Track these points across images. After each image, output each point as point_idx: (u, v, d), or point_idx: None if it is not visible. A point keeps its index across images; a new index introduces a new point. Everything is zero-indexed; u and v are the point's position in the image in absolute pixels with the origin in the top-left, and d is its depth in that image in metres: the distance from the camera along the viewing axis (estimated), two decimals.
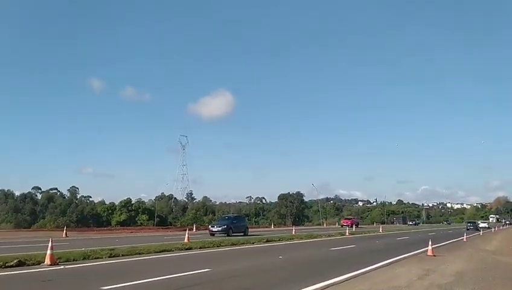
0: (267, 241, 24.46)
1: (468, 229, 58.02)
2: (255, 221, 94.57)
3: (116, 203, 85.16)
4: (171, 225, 64.98)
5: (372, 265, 13.77)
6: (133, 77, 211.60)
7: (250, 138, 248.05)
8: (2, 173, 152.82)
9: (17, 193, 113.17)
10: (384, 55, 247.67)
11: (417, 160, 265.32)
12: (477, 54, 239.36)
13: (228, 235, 31.04)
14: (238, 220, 37.02)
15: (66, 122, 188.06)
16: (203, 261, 14.09)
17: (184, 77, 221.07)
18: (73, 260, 13.43)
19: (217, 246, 20.38)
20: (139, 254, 15.90)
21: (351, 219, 68.62)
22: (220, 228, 32.95)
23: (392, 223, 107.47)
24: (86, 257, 14.04)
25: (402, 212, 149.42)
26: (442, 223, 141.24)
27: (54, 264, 11.89)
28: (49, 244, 12.11)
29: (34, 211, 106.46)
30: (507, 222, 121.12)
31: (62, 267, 11.75)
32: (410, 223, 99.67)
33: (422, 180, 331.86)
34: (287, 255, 16.52)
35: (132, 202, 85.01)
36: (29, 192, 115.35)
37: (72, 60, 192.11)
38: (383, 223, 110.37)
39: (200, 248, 19.30)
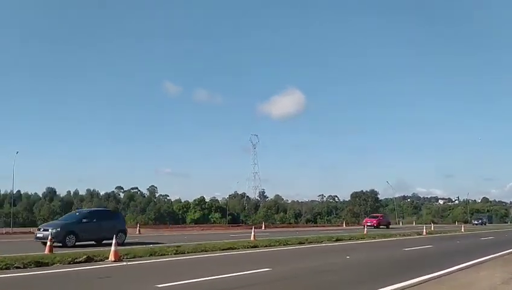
0: (337, 240, 23.57)
1: None
2: (327, 219, 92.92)
3: (191, 201, 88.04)
4: (243, 223, 65.73)
5: (449, 267, 12.53)
6: (203, 80, 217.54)
7: (322, 136, 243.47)
8: (89, 174, 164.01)
9: (102, 193, 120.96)
10: (460, 46, 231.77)
11: (504, 155, 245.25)
12: None
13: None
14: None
15: (145, 125, 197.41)
16: (265, 260, 13.72)
17: (253, 76, 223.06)
18: (140, 256, 13.70)
19: (284, 245, 19.96)
20: (205, 251, 15.93)
21: (377, 217, 54.17)
22: (477, 222, 50.69)
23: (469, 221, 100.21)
24: (152, 254, 14.25)
25: (488, 211, 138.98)
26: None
27: (118, 261, 12.12)
28: (113, 241, 12.39)
29: (117, 209, 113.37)
30: None
31: (125, 263, 11.95)
32: (475, 222, 78.98)
33: (509, 176, 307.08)
34: (355, 255, 15.65)
35: (206, 201, 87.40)
36: (112, 191, 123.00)
37: (144, 64, 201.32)
38: (465, 222, 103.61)
39: (266, 246, 18.99)
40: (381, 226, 48.44)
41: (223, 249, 16.73)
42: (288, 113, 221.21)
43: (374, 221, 49.87)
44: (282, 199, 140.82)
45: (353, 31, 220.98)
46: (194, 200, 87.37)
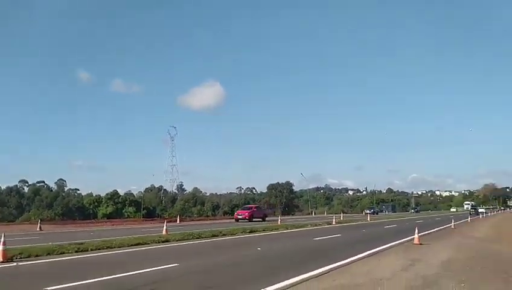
0: (251, 231, 23.61)
1: (470, 214, 65.60)
2: None
3: (103, 195, 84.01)
4: (158, 217, 63.89)
5: (355, 256, 13.00)
6: (120, 70, 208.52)
7: (241, 129, 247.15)
8: None
9: (3, 187, 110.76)
10: (374, 44, 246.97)
11: (406, 149, 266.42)
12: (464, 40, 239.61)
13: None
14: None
15: (55, 114, 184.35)
16: (174, 255, 13.22)
17: (173, 67, 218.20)
18: (36, 255, 12.45)
19: (196, 238, 19.47)
20: (110, 248, 14.91)
21: (250, 208, 46.29)
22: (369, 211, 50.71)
23: (381, 211, 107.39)
24: (50, 253, 13.04)
25: (392, 200, 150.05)
26: (410, 211, 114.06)
27: (7, 261, 10.88)
28: (1, 240, 11.08)
29: (20, 204, 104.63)
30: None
31: (15, 264, 10.76)
32: (368, 211, 78.84)
33: (411, 168, 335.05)
34: (267, 246, 15.68)
35: (119, 194, 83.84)
36: (15, 185, 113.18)
37: (58, 52, 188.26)
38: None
39: (178, 240, 18.36)
40: (254, 219, 40.96)
41: (131, 245, 15.84)
42: (209, 105, 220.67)
43: (246, 213, 42.05)
44: (201, 191, 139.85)
45: (270, 26, 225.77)
46: (107, 194, 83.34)
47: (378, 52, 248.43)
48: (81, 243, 15.27)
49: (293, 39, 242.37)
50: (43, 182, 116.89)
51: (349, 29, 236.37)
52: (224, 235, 21.24)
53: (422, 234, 23.34)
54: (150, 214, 78.56)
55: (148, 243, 16.70)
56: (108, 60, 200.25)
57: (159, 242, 17.30)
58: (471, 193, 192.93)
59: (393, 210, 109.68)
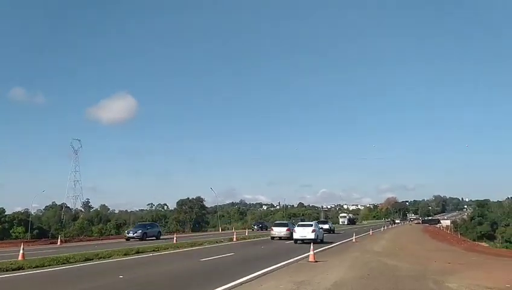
0: (137, 252, 20.69)
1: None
2: None
3: None
4: (53, 237, 57.06)
5: (235, 280, 10.92)
6: (22, 77, 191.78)
7: (153, 144, 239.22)
8: None
9: None
10: (287, 49, 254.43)
11: (316, 165, 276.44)
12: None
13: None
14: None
15: None
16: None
17: (81, 77, 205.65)
18: None
19: (62, 263, 16.14)
20: None
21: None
22: (135, 234, 36.07)
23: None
24: None
25: (302, 214, 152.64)
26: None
27: None
28: None
29: None
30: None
31: None
32: (255, 227, 69.04)
33: (321, 183, 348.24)
34: (136, 273, 12.97)
35: (5, 213, 74.65)
36: None
37: None
38: None
39: (36, 267, 14.96)
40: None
41: None
42: (119, 119, 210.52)
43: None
44: (109, 209, 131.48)
45: (188, 38, 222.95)
46: None
47: (287, 70, 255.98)
48: None
49: (208, 52, 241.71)
50: None
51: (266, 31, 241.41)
52: (100, 258, 18.15)
53: (321, 249, 22.25)
54: (44, 234, 70.81)
55: None
56: (6, 67, 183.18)
57: (6, 270, 13.86)
58: (375, 207, 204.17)
59: None
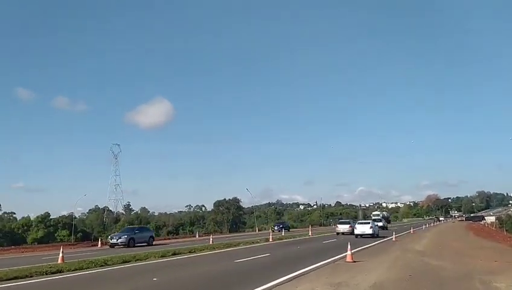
0: (174, 254, 20.82)
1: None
2: (189, 230, 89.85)
3: (33, 218, 77.37)
4: (96, 240, 58.74)
5: (272, 281, 10.68)
6: (64, 86, 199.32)
7: (190, 146, 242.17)
8: None
9: None
10: (322, 62, 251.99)
11: (354, 162, 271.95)
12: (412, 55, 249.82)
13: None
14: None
15: None
16: None
17: (119, 84, 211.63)
18: None
19: (100, 266, 16.40)
20: None
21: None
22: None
23: (330, 225, 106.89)
24: None
25: (340, 213, 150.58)
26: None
27: None
28: None
29: None
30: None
31: None
32: (276, 228, 64.96)
33: (359, 182, 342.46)
34: (170, 275, 12.95)
35: (50, 217, 77.45)
36: None
37: None
38: (321, 225, 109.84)
39: (75, 270, 15.23)
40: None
41: (5, 280, 12.66)
42: (157, 123, 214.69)
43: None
44: (149, 211, 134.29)
45: (219, 43, 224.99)
46: (37, 217, 76.85)
47: (324, 68, 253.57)
48: None
49: (241, 57, 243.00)
50: None
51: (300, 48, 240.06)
52: (137, 260, 18.36)
53: (359, 249, 21.59)
54: (87, 237, 73.03)
55: (32, 276, 13.55)
56: (50, 77, 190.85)
57: (46, 274, 14.17)
58: (415, 204, 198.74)
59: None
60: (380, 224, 49.81)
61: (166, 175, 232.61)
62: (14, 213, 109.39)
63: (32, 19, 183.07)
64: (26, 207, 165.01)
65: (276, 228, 65.32)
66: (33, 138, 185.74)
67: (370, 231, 33.76)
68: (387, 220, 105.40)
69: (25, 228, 76.62)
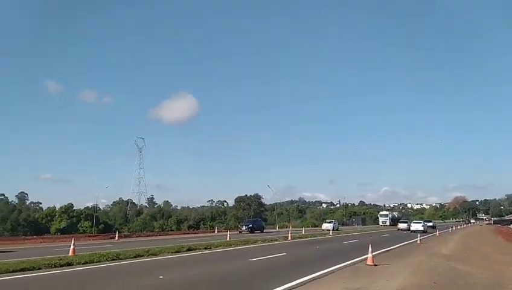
0: (188, 249, 20.33)
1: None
2: (210, 225, 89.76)
3: (57, 209, 78.54)
4: (117, 232, 59.28)
5: (284, 284, 9.95)
6: (91, 80, 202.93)
7: (216, 142, 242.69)
8: None
9: None
10: (347, 61, 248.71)
11: (378, 162, 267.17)
12: (435, 55, 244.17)
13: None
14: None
15: (22, 126, 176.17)
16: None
17: (145, 79, 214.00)
18: None
19: (112, 260, 15.98)
20: None
21: None
22: (246, 227, 48.46)
23: (352, 224, 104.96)
24: None
25: (363, 213, 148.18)
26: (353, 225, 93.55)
27: None
28: None
29: None
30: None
31: None
32: (244, 228, 50.59)
33: (383, 181, 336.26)
34: (179, 273, 12.37)
35: (74, 208, 78.56)
36: None
37: (25, 61, 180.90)
38: (343, 224, 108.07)
39: (85, 263, 14.85)
40: None
41: (11, 271, 12.32)
42: (181, 118, 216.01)
43: None
44: (171, 205, 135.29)
45: (245, 36, 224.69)
46: (61, 208, 78.01)
47: (352, 66, 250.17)
48: None
49: (268, 51, 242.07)
50: (3, 195, 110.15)
51: (325, 42, 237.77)
52: (150, 255, 17.90)
53: (381, 251, 20.58)
54: (109, 229, 73.70)
55: (40, 268, 13.21)
56: (78, 70, 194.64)
57: (55, 266, 13.82)
58: (441, 206, 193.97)
59: (363, 223, 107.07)
60: (430, 224, 67.38)
61: (189, 170, 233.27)
62: (41, 203, 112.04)
63: (63, 13, 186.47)
64: (52, 198, 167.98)
65: (244, 228, 50.02)
66: (60, 129, 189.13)
67: (422, 228, 50.04)
68: (397, 220, 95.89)
69: (49, 218, 77.88)
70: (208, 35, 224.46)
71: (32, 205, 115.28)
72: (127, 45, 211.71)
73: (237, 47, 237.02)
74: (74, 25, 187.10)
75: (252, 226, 49.48)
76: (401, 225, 57.65)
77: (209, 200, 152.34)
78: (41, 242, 31.57)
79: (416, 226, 50.97)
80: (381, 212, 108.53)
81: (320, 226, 67.31)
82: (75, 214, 77.98)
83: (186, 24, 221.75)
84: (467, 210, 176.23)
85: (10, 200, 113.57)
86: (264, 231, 51.37)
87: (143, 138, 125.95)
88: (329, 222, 62.72)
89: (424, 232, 47.37)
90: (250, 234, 42.16)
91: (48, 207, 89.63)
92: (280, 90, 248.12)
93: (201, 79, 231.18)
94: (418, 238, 29.59)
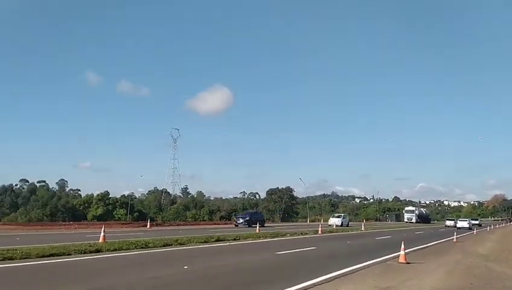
0: (217, 240, 20.29)
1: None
2: None
3: (94, 196, 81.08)
4: (151, 221, 60.50)
5: (310, 279, 9.60)
6: (129, 72, 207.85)
7: (249, 134, 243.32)
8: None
9: None
10: (381, 53, 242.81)
11: (415, 157, 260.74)
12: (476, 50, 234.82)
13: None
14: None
15: (64, 116, 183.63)
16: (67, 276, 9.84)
17: (181, 71, 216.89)
18: None
19: (141, 248, 16.11)
20: (11, 259, 11.66)
21: None
22: (242, 220, 42.26)
23: (386, 220, 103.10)
24: None
25: (398, 209, 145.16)
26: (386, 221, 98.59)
27: None
28: None
29: (15, 203, 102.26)
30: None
31: None
32: (239, 221, 43.53)
33: (419, 177, 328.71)
34: (204, 263, 12.26)
35: (109, 196, 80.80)
36: (10, 184, 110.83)
37: (68, 51, 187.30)
38: (376, 220, 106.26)
39: (114, 250, 15.04)
40: None
41: (42, 256, 12.55)
42: (216, 110, 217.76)
43: None
44: (205, 195, 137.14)
45: (283, 33, 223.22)
46: (97, 195, 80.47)
47: (381, 63, 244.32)
48: None
49: (302, 47, 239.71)
50: (44, 181, 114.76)
51: (363, 46, 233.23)
52: (179, 244, 17.98)
53: (415, 248, 19.87)
54: (143, 217, 75.43)
55: (70, 254, 13.45)
56: (117, 62, 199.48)
57: (85, 252, 14.05)
58: (480, 204, 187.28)
59: (398, 219, 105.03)
60: (476, 222, 72.31)
61: (223, 161, 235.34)
62: (79, 190, 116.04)
63: (101, 6, 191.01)
64: (91, 185, 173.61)
65: (240, 221, 43.32)
66: (100, 119, 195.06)
67: (467, 225, 56.08)
68: (425, 219, 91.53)
69: (86, 205, 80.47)
70: (247, 29, 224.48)
71: (71, 192, 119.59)
72: (164, 38, 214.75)
73: (276, 43, 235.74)
74: (116, 19, 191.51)
75: (249, 219, 42.35)
76: (448, 222, 65.00)
77: (241, 192, 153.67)
78: (75, 228, 32.43)
79: (462, 224, 57.00)
80: (406, 208, 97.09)
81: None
82: (110, 202, 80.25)
83: (221, 20, 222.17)
84: (506, 209, 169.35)
85: (51, 187, 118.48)
86: (265, 225, 45.26)
87: (178, 129, 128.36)
88: (338, 217, 53.79)
89: (469, 229, 51.75)
90: (281, 227, 41.88)
91: (86, 194, 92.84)
92: (314, 79, 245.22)
93: (237, 73, 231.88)
94: (454, 236, 28.49)
